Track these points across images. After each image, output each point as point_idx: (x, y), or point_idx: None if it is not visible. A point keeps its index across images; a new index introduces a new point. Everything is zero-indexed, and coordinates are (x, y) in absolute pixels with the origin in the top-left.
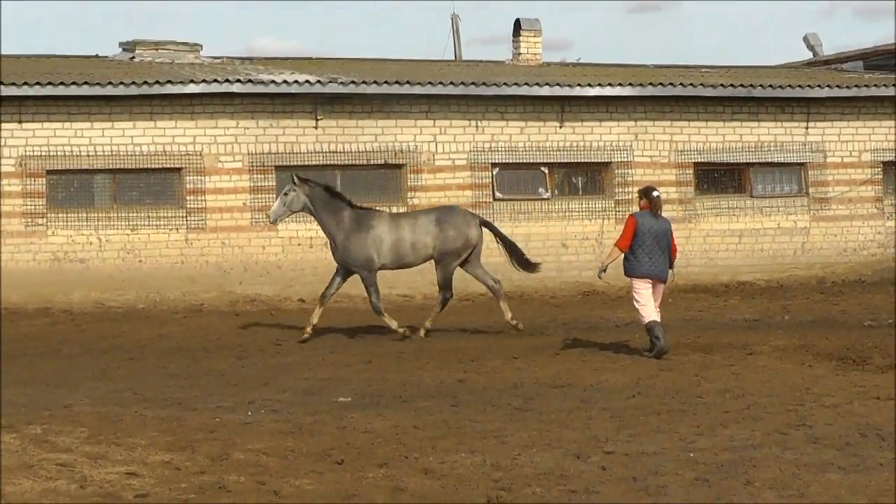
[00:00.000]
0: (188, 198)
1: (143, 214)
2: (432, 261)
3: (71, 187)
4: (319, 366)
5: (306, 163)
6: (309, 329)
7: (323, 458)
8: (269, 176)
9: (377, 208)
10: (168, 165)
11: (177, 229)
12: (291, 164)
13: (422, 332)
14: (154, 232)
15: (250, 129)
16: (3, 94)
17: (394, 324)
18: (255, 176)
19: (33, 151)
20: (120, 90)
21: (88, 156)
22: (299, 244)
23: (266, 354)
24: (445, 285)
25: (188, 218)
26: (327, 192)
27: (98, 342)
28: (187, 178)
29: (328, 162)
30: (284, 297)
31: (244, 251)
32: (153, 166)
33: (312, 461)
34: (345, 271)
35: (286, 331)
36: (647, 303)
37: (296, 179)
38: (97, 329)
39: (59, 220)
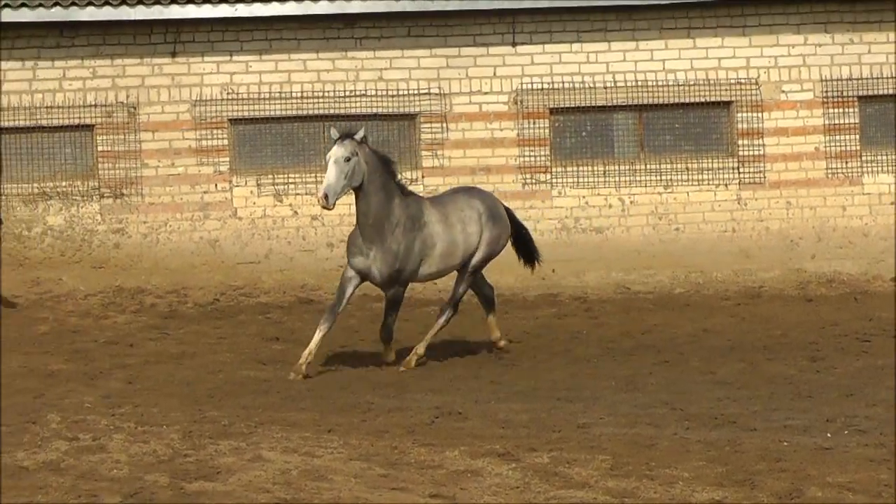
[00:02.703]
0: (740, 142)
1: (679, 166)
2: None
3: (582, 131)
4: None
5: None
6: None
7: None
8: (851, 111)
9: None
10: (712, 98)
11: (725, 185)
12: (880, 93)
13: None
14: (695, 190)
15: (824, 47)
16: (487, 7)
17: (391, 356)
18: (831, 111)
19: (532, 84)
20: None
21: (605, 87)
22: (893, 202)
23: (849, 355)
24: (458, 300)
25: (741, 170)
26: (384, 165)
27: (622, 339)
28: (738, 115)
29: None
30: (873, 276)
31: (817, 214)
32: (692, 100)
33: None
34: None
35: (876, 322)
36: None
37: (358, 136)
38: (620, 321)
39: (567, 175)
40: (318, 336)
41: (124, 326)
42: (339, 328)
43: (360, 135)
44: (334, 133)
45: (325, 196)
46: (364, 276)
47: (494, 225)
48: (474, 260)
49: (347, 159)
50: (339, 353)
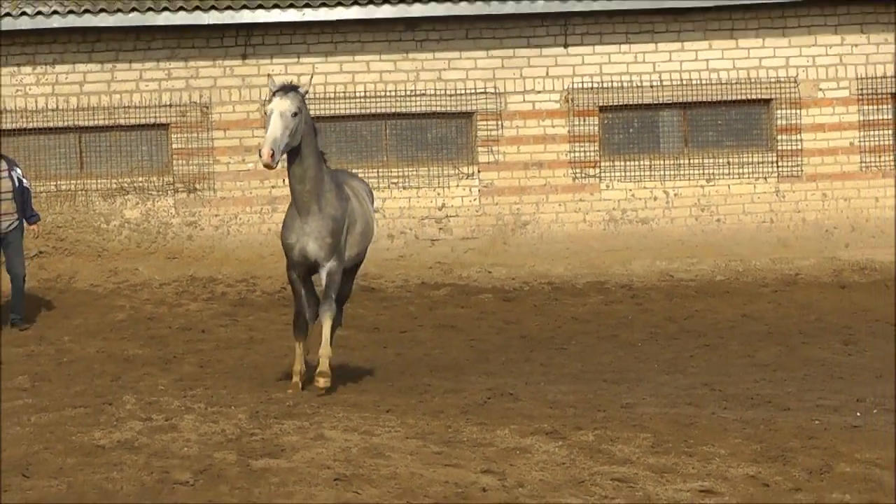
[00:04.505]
0: (779, 137)
1: (721, 160)
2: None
3: (630, 127)
4: None
5: None
6: (297, 378)
7: None
8: (885, 107)
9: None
10: (753, 96)
11: (765, 178)
12: None
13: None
14: (736, 182)
15: (860, 47)
16: (541, 11)
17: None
18: (865, 107)
19: (582, 83)
20: (692, 1)
21: (652, 87)
22: None
23: (880, 339)
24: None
25: (779, 163)
26: (314, 126)
27: (665, 325)
28: (778, 111)
29: None
30: None
31: (851, 205)
32: (734, 98)
33: None
34: (306, 272)
35: None
36: None
37: (302, 89)
38: (664, 308)
39: (615, 169)
40: (299, 352)
41: (197, 314)
42: (399, 315)
43: (304, 88)
44: (274, 83)
45: (272, 152)
46: (303, 259)
47: (372, 205)
48: (365, 246)
49: (294, 114)
50: (398, 339)
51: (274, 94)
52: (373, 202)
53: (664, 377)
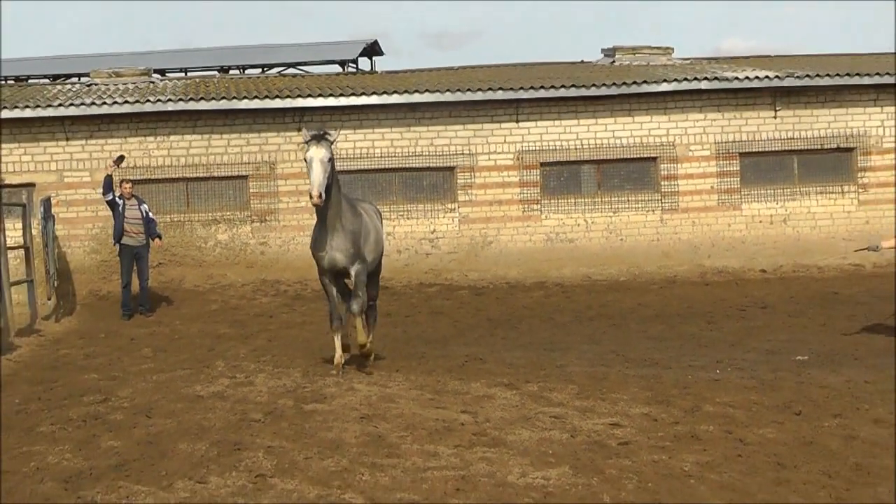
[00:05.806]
0: (663, 183)
1: (623, 199)
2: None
3: (561, 177)
4: (781, 329)
5: (766, 149)
6: (338, 362)
7: (783, 409)
8: (734, 162)
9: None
10: (645, 155)
11: (653, 211)
12: (753, 150)
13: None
14: (633, 214)
15: (717, 121)
16: (501, 98)
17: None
18: (720, 162)
19: (529, 146)
20: (602, 91)
21: (576, 149)
22: (761, 221)
23: (732, 319)
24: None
25: (663, 201)
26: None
27: (586, 311)
28: (662, 165)
29: (786, 148)
30: (748, 269)
31: (712, 229)
32: (632, 156)
33: (774, 412)
34: (335, 276)
35: (750, 298)
36: None
37: (331, 137)
38: (585, 299)
39: (551, 205)
40: (337, 343)
41: (267, 305)
42: (404, 305)
43: (333, 136)
44: (307, 133)
45: (320, 195)
46: (332, 266)
47: (381, 222)
48: (379, 254)
49: (329, 159)
50: (403, 321)
51: (309, 142)
52: (381, 219)
53: (585, 346)
